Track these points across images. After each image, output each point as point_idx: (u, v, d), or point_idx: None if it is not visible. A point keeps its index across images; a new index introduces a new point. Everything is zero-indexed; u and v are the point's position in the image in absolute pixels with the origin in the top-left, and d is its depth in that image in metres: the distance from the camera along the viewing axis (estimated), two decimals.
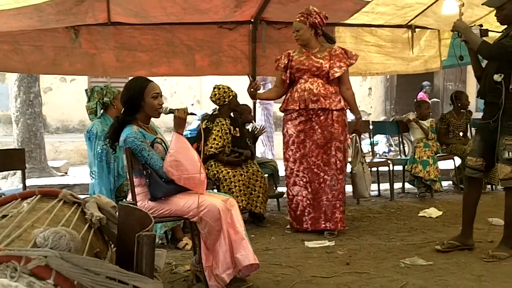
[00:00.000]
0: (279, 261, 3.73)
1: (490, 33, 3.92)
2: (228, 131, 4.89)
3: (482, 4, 3.77)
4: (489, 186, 6.73)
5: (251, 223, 4.90)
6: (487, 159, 3.83)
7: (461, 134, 6.88)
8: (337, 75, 4.45)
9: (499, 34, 3.82)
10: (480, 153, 3.88)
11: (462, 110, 6.85)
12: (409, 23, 6.53)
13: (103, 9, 5.16)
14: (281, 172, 5.64)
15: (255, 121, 6.05)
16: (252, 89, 4.48)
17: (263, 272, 3.41)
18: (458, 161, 6.66)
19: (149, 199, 3.10)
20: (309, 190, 4.51)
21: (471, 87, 16.24)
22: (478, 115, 12.04)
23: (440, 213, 5.29)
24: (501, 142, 3.67)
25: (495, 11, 3.73)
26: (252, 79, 4.49)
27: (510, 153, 3.64)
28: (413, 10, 5.97)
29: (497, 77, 3.63)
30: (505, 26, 3.74)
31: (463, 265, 3.59)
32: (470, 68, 15.24)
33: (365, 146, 9.89)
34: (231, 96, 4.94)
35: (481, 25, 3.88)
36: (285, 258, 3.83)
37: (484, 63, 3.97)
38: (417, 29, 6.67)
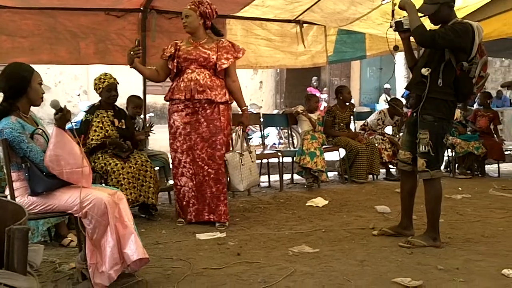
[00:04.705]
0: (170, 255, 3.68)
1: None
2: (110, 123, 4.72)
3: (417, 10, 3.78)
4: (370, 176, 7.12)
5: (141, 217, 4.79)
6: (414, 152, 3.90)
7: (345, 126, 7.21)
8: (224, 66, 4.44)
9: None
10: (407, 146, 3.98)
11: (346, 103, 7.18)
12: (297, 18, 6.71)
13: None
14: None
15: (143, 113, 5.85)
16: (132, 52, 4.29)
17: (153, 266, 3.35)
18: (342, 152, 6.97)
19: (29, 194, 2.92)
20: (194, 182, 4.50)
21: (355, 81, 17.18)
22: (360, 109, 12.80)
23: (326, 202, 5.51)
24: (417, 135, 3.80)
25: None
26: (138, 44, 4.33)
27: (423, 146, 3.75)
28: (301, 6, 6.14)
29: (424, 71, 3.73)
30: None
31: (347, 251, 3.77)
32: (353, 64, 16.02)
33: (257, 138, 10.08)
34: (106, 82, 4.74)
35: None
36: (176, 251, 3.79)
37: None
38: (304, 25, 6.88)
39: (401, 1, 3.83)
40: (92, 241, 2.91)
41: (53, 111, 2.90)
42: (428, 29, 3.74)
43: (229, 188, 4.72)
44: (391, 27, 3.93)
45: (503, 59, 16.52)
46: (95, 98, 5.13)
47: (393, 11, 4.01)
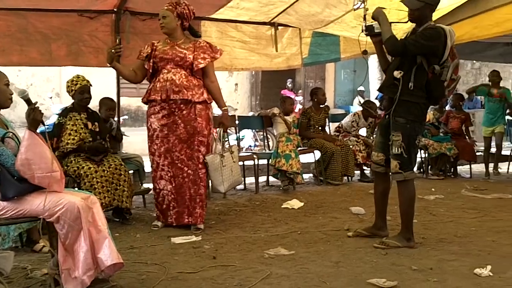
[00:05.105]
0: (145, 259, 3.64)
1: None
2: (83, 126, 4.66)
3: (400, 1, 3.86)
4: (345, 178, 7.16)
5: (115, 221, 4.73)
6: (387, 154, 3.94)
7: (320, 128, 7.25)
8: (201, 66, 4.41)
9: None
10: (380, 148, 4.01)
11: (321, 106, 7.22)
12: (272, 21, 6.72)
13: None
14: (147, 168, 5.52)
15: (117, 116, 5.78)
16: (113, 51, 4.26)
17: (127, 271, 3.31)
18: (318, 154, 6.99)
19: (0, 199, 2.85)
20: (173, 185, 4.46)
21: (329, 84, 17.26)
22: (335, 111, 12.90)
23: (302, 204, 5.53)
24: (390, 137, 3.83)
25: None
26: (119, 43, 4.30)
27: (396, 148, 3.78)
28: (276, 8, 6.14)
29: (396, 74, 3.77)
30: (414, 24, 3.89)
31: (323, 253, 3.78)
32: (328, 66, 16.09)
33: (232, 140, 10.05)
34: (78, 84, 4.68)
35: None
36: (151, 255, 3.75)
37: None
38: (279, 27, 6.89)
39: (374, 12, 3.89)
40: (65, 246, 2.86)
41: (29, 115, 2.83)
42: (398, 38, 3.80)
43: (211, 190, 4.68)
44: (362, 31, 3.98)
45: (474, 61, 16.80)
46: (68, 101, 5.05)
47: (365, 15, 4.05)
